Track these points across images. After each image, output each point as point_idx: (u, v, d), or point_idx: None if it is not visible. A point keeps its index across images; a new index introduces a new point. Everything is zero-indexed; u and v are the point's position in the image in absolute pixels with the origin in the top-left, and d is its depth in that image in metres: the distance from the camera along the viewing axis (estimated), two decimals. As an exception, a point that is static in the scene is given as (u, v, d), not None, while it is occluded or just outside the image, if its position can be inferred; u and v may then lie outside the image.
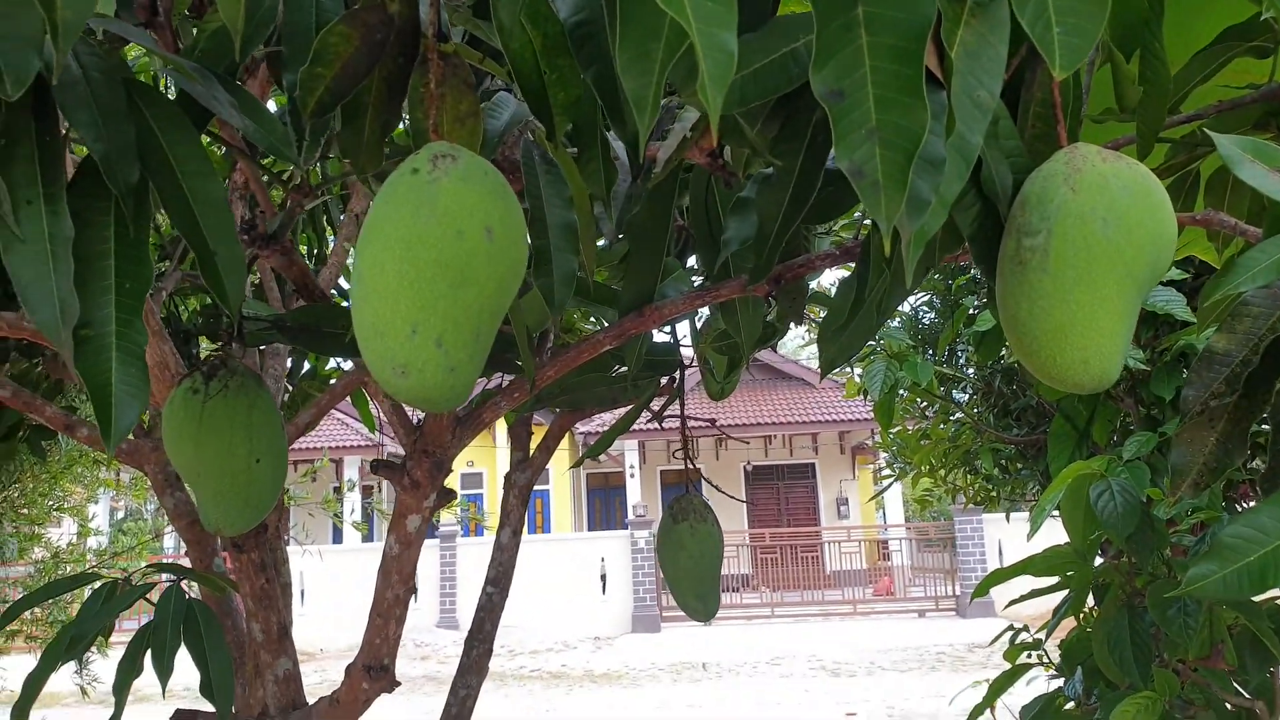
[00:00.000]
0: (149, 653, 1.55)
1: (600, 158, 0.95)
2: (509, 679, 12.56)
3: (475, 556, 17.22)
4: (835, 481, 23.32)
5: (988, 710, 1.90)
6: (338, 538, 19.69)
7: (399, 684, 1.47)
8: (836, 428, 21.43)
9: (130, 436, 2.54)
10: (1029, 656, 1.92)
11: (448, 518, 17.11)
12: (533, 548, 16.55)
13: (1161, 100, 1.05)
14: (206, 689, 1.52)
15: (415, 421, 1.36)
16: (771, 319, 1.54)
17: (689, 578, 1.53)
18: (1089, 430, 2.37)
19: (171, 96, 0.95)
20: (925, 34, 0.58)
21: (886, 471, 4.03)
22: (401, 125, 1.05)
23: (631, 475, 20.95)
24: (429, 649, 15.44)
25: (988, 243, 0.83)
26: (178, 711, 1.70)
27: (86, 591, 1.65)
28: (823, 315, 2.49)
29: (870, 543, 20.10)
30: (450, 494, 1.38)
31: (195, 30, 1.01)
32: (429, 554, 17.12)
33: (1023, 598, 1.90)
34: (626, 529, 18.01)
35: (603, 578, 17.59)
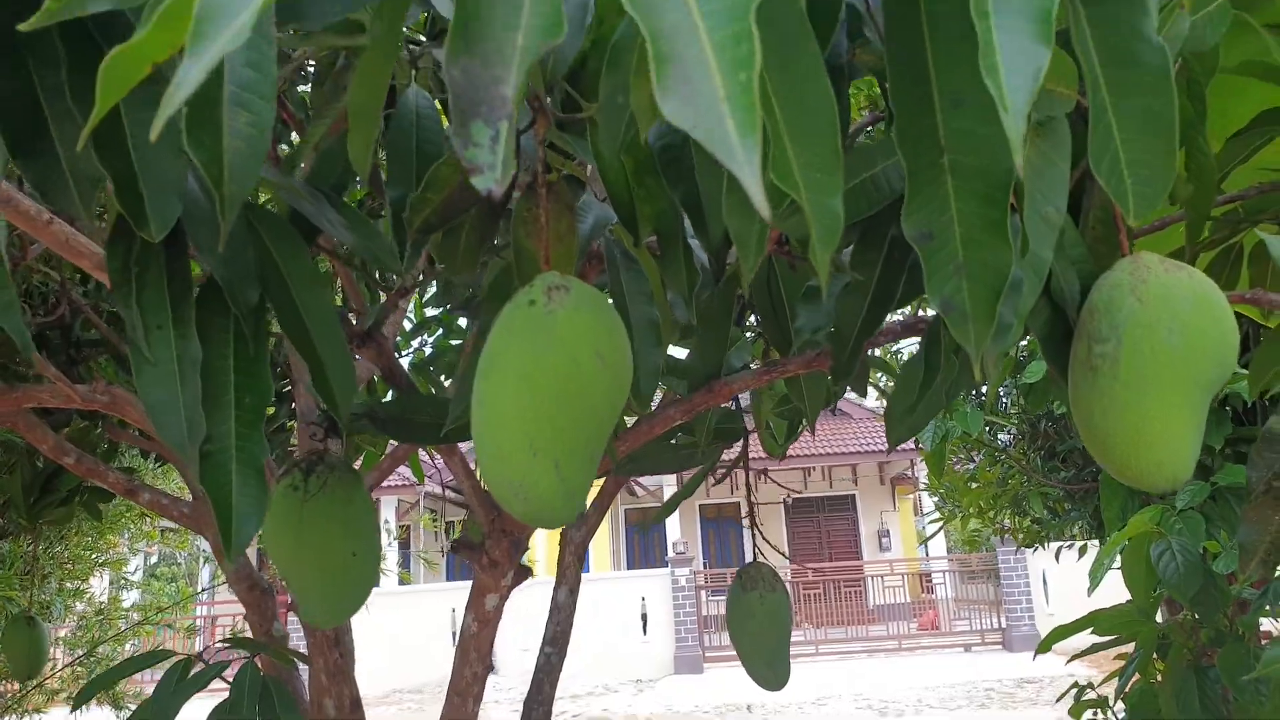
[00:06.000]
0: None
1: (683, 261, 1.01)
2: (551, 723, 12.45)
3: (517, 598, 17.16)
4: (876, 513, 23.09)
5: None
6: (373, 579, 19.71)
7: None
8: (875, 458, 21.26)
9: (191, 500, 2.63)
10: (1094, 714, 1.92)
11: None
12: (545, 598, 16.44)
13: (1208, 191, 1.09)
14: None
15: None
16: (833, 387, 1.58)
17: (759, 646, 1.56)
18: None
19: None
20: (1009, 182, 0.63)
21: (935, 515, 4.02)
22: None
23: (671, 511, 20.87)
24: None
25: (1058, 344, 0.88)
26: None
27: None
28: (880, 378, 2.52)
29: (913, 575, 19.83)
30: (527, 571, 1.43)
31: (295, 143, 1.09)
32: (459, 603, 17.07)
33: (1084, 652, 1.90)
34: (667, 566, 17.90)
35: (643, 618, 17.46)
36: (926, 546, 20.56)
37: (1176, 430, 0.77)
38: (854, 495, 23.25)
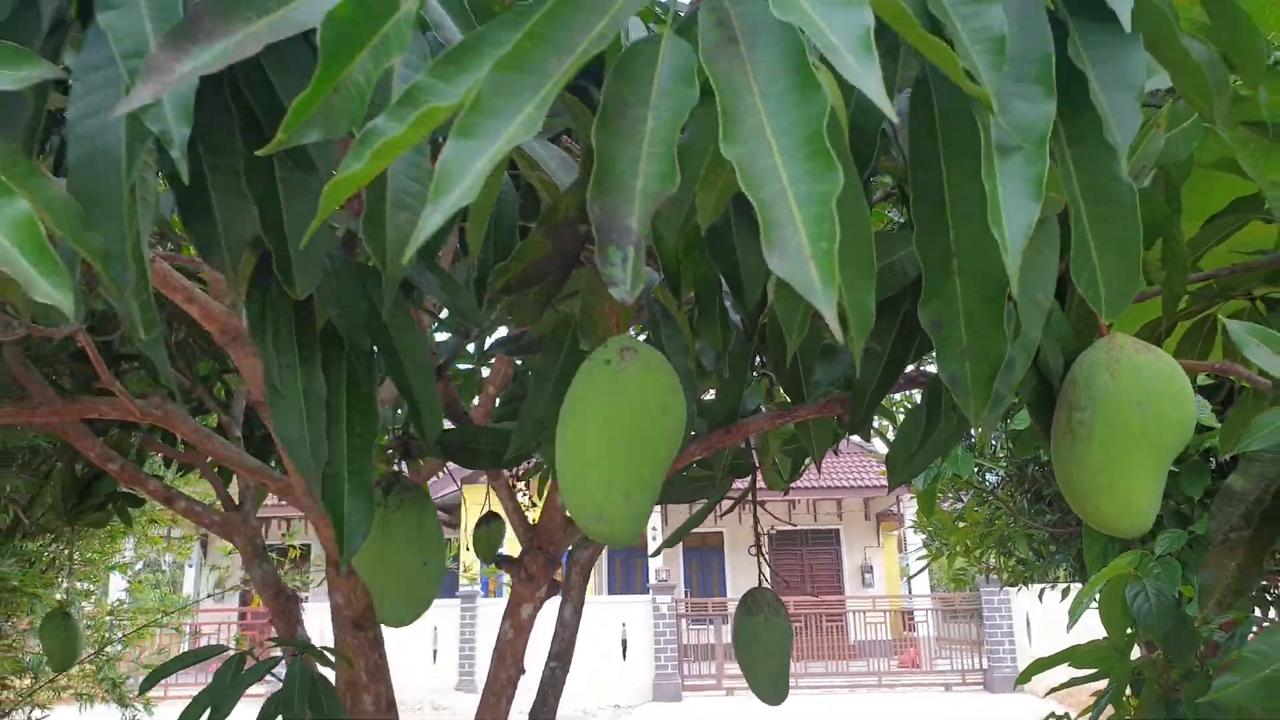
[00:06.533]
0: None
1: (719, 322, 1.17)
2: (532, 745, 12.47)
3: (497, 617, 17.18)
4: (860, 548, 23.18)
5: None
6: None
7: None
8: (861, 494, 21.40)
9: (222, 510, 2.77)
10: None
11: (464, 580, 17.13)
12: (553, 611, 16.52)
13: (1181, 274, 1.26)
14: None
15: (529, 521, 1.57)
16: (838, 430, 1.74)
17: (763, 666, 1.71)
18: (1121, 525, 2.53)
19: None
20: (1006, 286, 0.79)
21: (923, 552, 4.18)
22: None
23: (653, 539, 20.96)
24: (448, 713, 15.39)
25: (1043, 409, 1.04)
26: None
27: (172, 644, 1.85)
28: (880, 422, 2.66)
29: (895, 612, 19.91)
30: (557, 585, 1.58)
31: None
32: (450, 615, 17.11)
33: (1062, 686, 2.05)
34: (648, 594, 17.95)
35: (624, 644, 17.49)
36: (910, 584, 20.67)
37: (1141, 487, 0.93)
38: (838, 530, 23.34)
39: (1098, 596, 1.98)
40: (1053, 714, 2.15)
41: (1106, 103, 0.72)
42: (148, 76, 0.71)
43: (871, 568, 22.94)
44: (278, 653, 2.00)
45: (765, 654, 1.71)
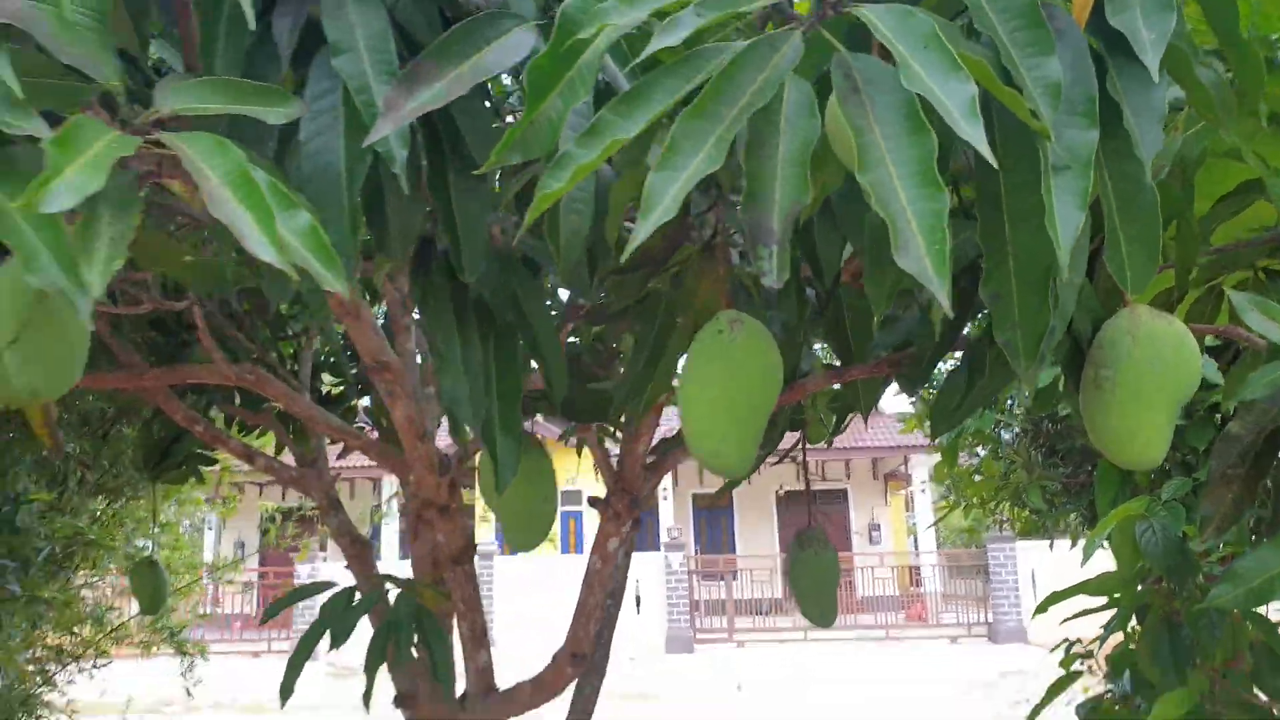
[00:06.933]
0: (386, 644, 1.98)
1: (795, 297, 1.38)
2: (551, 695, 12.86)
3: (514, 573, 17.57)
4: (867, 507, 23.52)
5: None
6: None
7: (601, 677, 1.89)
8: (869, 454, 21.68)
9: (297, 467, 3.00)
10: (1081, 664, 2.30)
11: (484, 536, 17.49)
12: (568, 567, 16.89)
13: (1192, 250, 1.46)
14: (434, 672, 1.95)
15: (615, 467, 1.79)
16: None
17: (813, 594, 1.93)
18: (1132, 473, 2.75)
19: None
20: (1050, 273, 0.99)
21: (929, 511, 4.43)
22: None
23: (664, 498, 21.29)
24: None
25: (1074, 368, 1.25)
26: (396, 694, 2.12)
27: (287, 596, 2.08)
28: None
29: (902, 569, 20.29)
30: (639, 522, 1.80)
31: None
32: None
33: (1076, 615, 2.28)
34: (660, 550, 18.33)
35: (637, 599, 17.89)
36: (916, 541, 21.03)
37: (1156, 428, 1.14)
38: (846, 489, 23.64)
39: (1108, 537, 2.20)
40: (1066, 639, 2.39)
41: (1136, 126, 0.92)
42: (386, 113, 0.92)
43: (879, 526, 23.29)
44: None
45: (815, 584, 1.94)
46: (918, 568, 19.90)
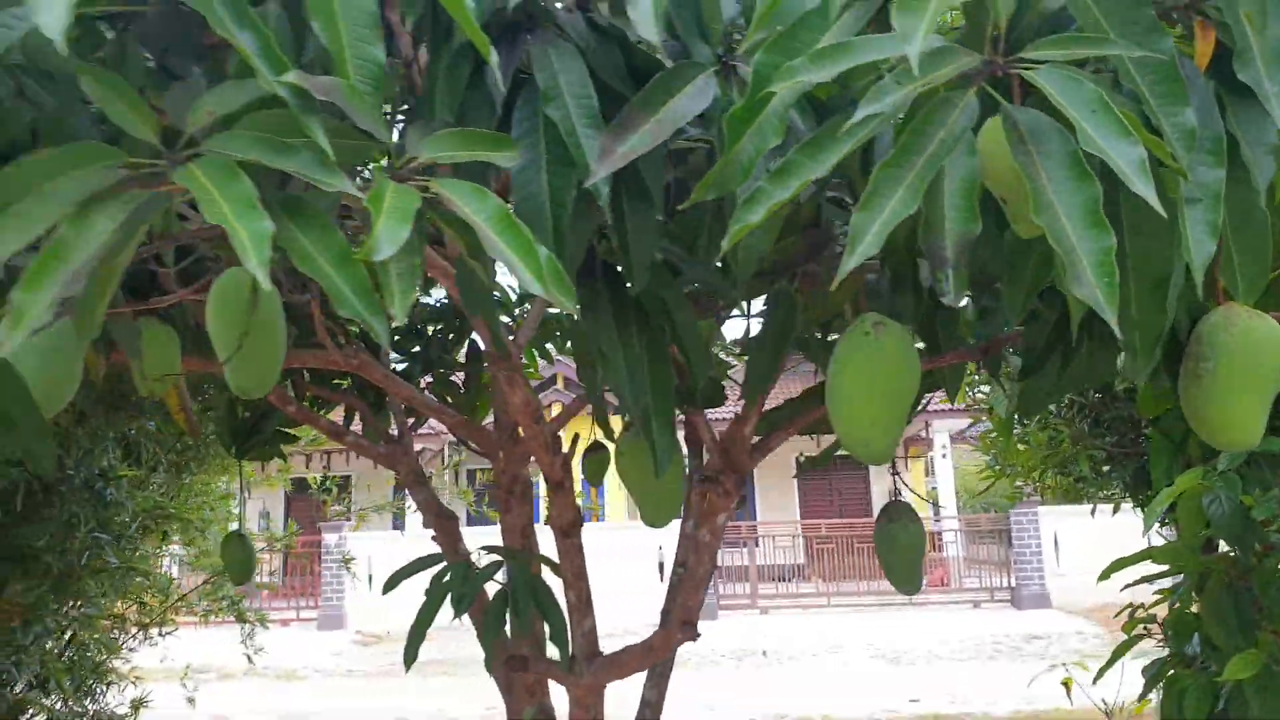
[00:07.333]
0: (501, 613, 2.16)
1: (914, 296, 1.52)
2: (583, 660, 13.15)
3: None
4: (887, 473, 23.63)
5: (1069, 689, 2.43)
6: (398, 524, 20.50)
7: (699, 635, 2.07)
8: (890, 421, 21.75)
9: (383, 444, 3.16)
10: (1143, 629, 2.46)
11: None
12: (590, 537, 17.00)
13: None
14: (552, 637, 2.13)
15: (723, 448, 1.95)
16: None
17: (900, 564, 2.10)
18: (1184, 444, 2.90)
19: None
20: (1166, 282, 1.13)
21: (985, 471, 4.59)
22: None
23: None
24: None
25: (1173, 358, 1.39)
26: (509, 657, 2.30)
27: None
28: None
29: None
30: (744, 499, 1.97)
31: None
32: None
33: (1136, 582, 2.44)
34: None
35: (660, 566, 18.15)
36: (936, 507, 21.19)
37: (1251, 415, 1.28)
38: (866, 454, 23.69)
39: (1171, 506, 2.35)
40: (1129, 603, 2.54)
41: (1253, 158, 1.05)
42: (602, 158, 1.06)
43: (899, 492, 23.38)
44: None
45: (902, 554, 2.10)
46: (939, 533, 20.08)
